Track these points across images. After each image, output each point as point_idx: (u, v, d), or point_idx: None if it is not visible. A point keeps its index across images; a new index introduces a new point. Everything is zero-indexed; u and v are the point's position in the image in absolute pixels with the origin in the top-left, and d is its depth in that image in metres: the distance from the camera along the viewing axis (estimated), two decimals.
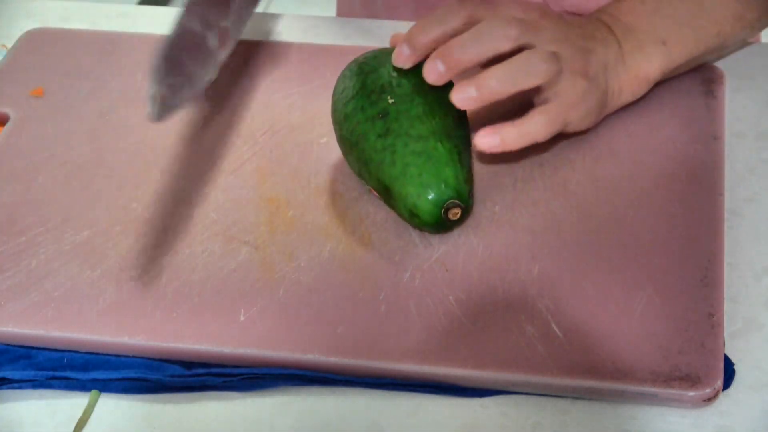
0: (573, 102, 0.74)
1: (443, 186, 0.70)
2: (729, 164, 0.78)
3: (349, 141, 0.73)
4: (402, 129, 0.71)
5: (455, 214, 0.71)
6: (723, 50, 0.83)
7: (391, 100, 0.72)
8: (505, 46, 0.72)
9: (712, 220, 0.73)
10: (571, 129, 0.76)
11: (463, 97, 0.71)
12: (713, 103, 0.81)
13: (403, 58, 0.73)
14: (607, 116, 0.80)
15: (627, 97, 0.79)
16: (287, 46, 0.89)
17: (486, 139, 0.72)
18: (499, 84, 0.71)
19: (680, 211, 0.73)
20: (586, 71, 0.75)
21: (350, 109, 0.73)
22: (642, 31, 0.78)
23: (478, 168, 0.77)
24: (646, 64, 0.78)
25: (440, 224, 0.71)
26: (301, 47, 0.89)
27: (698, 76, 0.82)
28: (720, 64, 0.85)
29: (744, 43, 0.86)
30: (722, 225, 0.72)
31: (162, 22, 0.94)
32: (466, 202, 0.71)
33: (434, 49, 0.73)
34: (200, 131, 0.81)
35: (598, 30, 0.78)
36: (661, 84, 0.81)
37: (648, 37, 0.78)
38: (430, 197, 0.70)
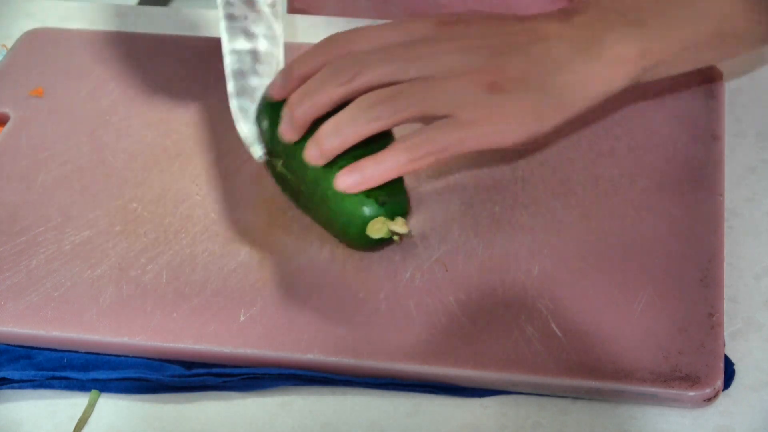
0: (472, 120, 0.69)
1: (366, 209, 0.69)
2: (729, 164, 0.78)
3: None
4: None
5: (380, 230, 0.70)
6: (727, 46, 0.76)
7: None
8: (336, 95, 0.69)
9: (712, 220, 0.73)
10: (498, 143, 0.70)
11: (310, 156, 0.69)
12: (713, 103, 0.81)
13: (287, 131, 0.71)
14: (606, 116, 0.80)
15: (600, 87, 0.72)
16: (287, 46, 0.89)
17: (345, 180, 0.69)
18: (332, 140, 0.68)
19: (680, 211, 0.73)
20: (494, 82, 0.69)
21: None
22: (616, 11, 0.73)
23: (478, 168, 0.77)
24: (619, 47, 0.72)
25: (369, 241, 0.70)
26: (301, 47, 0.88)
27: (698, 76, 0.82)
28: (720, 64, 0.85)
29: (760, 43, 0.79)
30: (722, 225, 0.72)
31: (162, 22, 0.94)
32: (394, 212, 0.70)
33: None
34: (200, 131, 0.81)
35: (548, 23, 0.72)
36: (661, 84, 0.81)
37: (622, 17, 0.72)
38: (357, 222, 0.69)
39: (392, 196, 0.69)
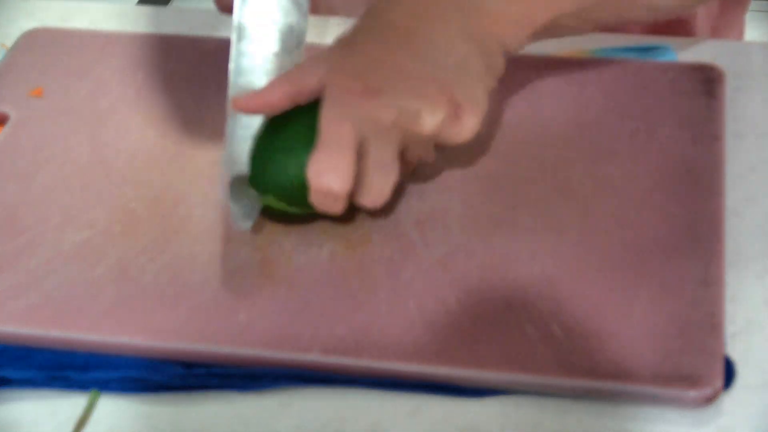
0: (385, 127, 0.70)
1: None
2: (729, 164, 0.78)
3: None
4: None
5: None
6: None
7: None
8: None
9: (712, 220, 0.73)
10: (452, 135, 0.72)
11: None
12: (713, 103, 0.81)
13: None
14: (607, 116, 0.80)
15: (511, 42, 0.73)
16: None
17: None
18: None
19: (680, 211, 0.73)
20: (450, 98, 0.71)
21: None
22: None
23: (478, 168, 0.77)
24: (505, 5, 0.73)
25: None
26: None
27: (698, 76, 0.83)
28: (720, 64, 0.85)
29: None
30: (722, 225, 0.72)
31: (162, 22, 0.94)
32: None
33: None
34: (200, 131, 0.81)
35: (433, 6, 0.72)
36: (660, 83, 0.81)
37: None
38: None
39: None
